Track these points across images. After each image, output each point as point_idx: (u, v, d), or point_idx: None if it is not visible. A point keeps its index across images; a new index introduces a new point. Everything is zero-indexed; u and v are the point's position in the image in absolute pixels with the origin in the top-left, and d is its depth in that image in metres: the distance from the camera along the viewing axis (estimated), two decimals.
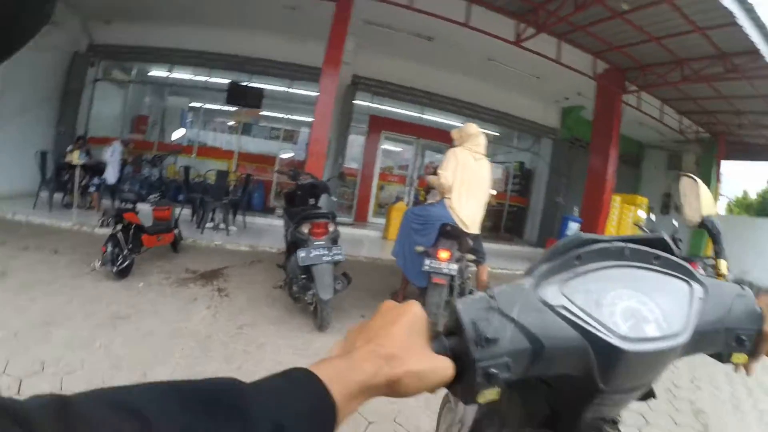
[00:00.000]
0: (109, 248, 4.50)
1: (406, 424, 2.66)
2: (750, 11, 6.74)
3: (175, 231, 5.76)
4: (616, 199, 11.14)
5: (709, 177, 13.42)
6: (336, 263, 4.12)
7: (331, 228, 4.32)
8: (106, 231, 4.90)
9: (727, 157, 14.28)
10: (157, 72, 11.51)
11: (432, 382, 0.55)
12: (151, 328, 3.59)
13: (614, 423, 0.81)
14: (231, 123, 11.86)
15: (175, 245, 5.93)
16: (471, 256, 4.58)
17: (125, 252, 4.58)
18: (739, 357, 0.74)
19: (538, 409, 0.73)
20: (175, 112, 11.87)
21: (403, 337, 0.55)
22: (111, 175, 8.26)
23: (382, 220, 11.06)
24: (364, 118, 11.93)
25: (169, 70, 11.25)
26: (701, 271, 7.55)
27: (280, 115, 12.10)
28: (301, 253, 4.00)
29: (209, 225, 7.71)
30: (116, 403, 0.33)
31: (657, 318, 0.65)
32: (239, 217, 8.46)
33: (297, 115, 11.77)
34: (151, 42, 10.04)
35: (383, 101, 12.04)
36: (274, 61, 10.32)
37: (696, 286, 0.72)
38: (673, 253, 0.75)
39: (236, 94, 10.80)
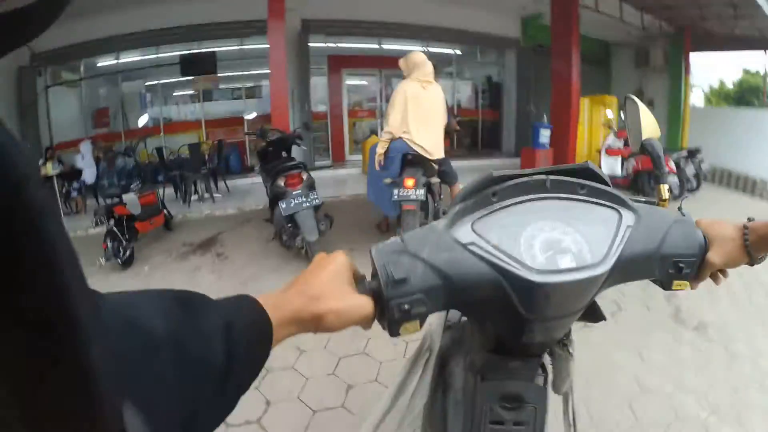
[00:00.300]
0: (109, 243, 4.73)
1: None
2: None
3: (164, 211, 5.95)
4: (585, 102, 11.01)
5: (679, 70, 13.37)
6: (316, 207, 4.40)
7: (304, 176, 4.56)
8: (101, 229, 5.12)
9: (696, 50, 13.89)
10: (106, 62, 11.15)
11: (353, 317, 0.64)
12: None
13: (563, 344, 0.88)
14: (191, 93, 11.66)
15: (168, 224, 6.12)
16: (436, 180, 4.70)
17: (124, 243, 4.79)
18: (681, 284, 0.76)
19: (490, 336, 0.78)
20: (134, 97, 11.57)
21: (328, 281, 0.63)
22: (89, 176, 8.26)
23: (359, 157, 11.09)
24: (323, 60, 11.77)
25: (117, 57, 10.93)
26: (672, 165, 7.75)
27: (239, 74, 11.87)
28: (282, 205, 4.30)
29: (194, 198, 7.83)
30: (129, 305, 0.45)
31: (580, 248, 0.67)
32: (221, 184, 8.58)
33: (255, 69, 11.48)
34: (92, 35, 9.65)
35: (339, 40, 11.81)
36: (221, 22, 10.03)
37: (626, 213, 0.73)
38: (601, 181, 0.77)
39: (189, 64, 10.63)
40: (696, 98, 22.49)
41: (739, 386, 2.73)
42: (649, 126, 1.14)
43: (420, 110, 4.49)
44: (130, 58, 11.01)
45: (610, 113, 10.45)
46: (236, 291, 0.51)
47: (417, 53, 4.71)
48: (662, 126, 12.65)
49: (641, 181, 7.47)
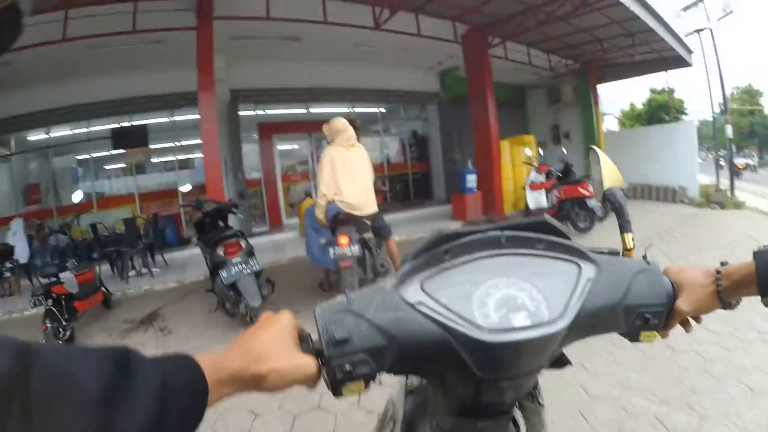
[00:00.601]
0: (48, 324, 4.66)
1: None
2: None
3: (103, 289, 5.88)
4: (505, 144, 11.86)
5: (589, 102, 14.64)
6: (257, 273, 4.55)
7: (243, 244, 4.73)
8: (38, 311, 5.04)
9: (601, 81, 15.41)
10: (37, 136, 11.01)
11: (296, 377, 0.63)
12: None
13: (532, 395, 0.88)
14: (123, 166, 11.58)
15: (107, 302, 6.04)
16: (370, 235, 4.89)
17: (64, 323, 4.72)
18: (649, 335, 0.73)
19: (455, 398, 0.73)
20: (65, 172, 11.41)
21: (271, 341, 0.63)
22: (22, 255, 8.02)
23: (295, 220, 11.26)
24: (253, 128, 12.06)
25: (48, 132, 10.81)
26: (591, 190, 8.34)
27: (171, 145, 11.91)
28: (223, 273, 4.42)
29: (132, 273, 7.71)
30: (64, 359, 0.44)
31: (537, 305, 0.65)
32: (158, 257, 8.49)
33: (187, 140, 11.68)
34: (24, 109, 9.62)
35: (268, 107, 12.23)
36: (152, 95, 10.20)
37: (586, 266, 0.72)
38: (560, 234, 0.75)
39: (121, 138, 10.69)
40: (610, 124, 24.25)
41: (684, 376, 2.96)
42: (611, 175, 1.13)
43: (348, 170, 4.79)
44: (61, 132, 10.91)
45: (528, 151, 11.19)
46: None
47: (337, 120, 5.02)
48: (579, 155, 13.85)
49: (566, 209, 8.10)
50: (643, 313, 0.70)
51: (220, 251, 4.62)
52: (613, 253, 0.79)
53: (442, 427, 0.77)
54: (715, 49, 13.05)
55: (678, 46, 12.39)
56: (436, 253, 0.71)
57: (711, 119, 14.11)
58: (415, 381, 0.95)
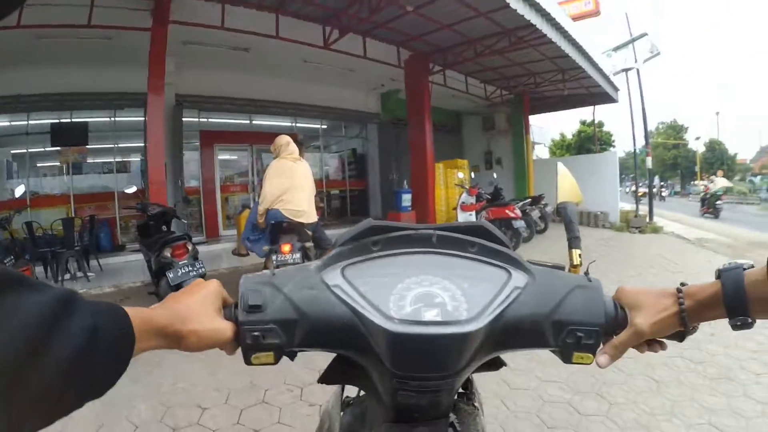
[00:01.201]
0: None
1: None
2: None
3: None
4: (440, 166, 12.44)
5: (521, 131, 15.60)
6: (202, 276, 4.75)
7: (189, 247, 4.95)
8: None
9: (533, 112, 16.46)
10: None
11: (213, 340, 0.66)
12: None
13: (467, 398, 0.87)
14: (58, 165, 10.98)
15: None
16: (310, 244, 5.20)
17: None
18: (583, 357, 0.68)
19: (389, 405, 0.71)
20: (0, 166, 10.67)
21: (195, 304, 0.67)
22: None
23: (233, 232, 11.18)
24: (195, 135, 11.91)
25: None
26: (517, 212, 9.07)
27: (110, 146, 11.44)
28: (170, 274, 4.61)
29: (67, 277, 7.46)
30: (24, 285, 0.47)
31: (456, 306, 0.64)
32: (93, 262, 8.25)
33: (126, 142, 11.39)
34: None
35: (211, 115, 12.20)
36: (96, 92, 9.92)
37: (517, 274, 0.70)
38: (497, 241, 0.74)
39: (61, 134, 10.30)
40: (542, 152, 25.76)
41: (596, 371, 3.20)
42: (567, 191, 1.15)
43: (293, 180, 5.13)
44: None
45: (461, 174, 11.81)
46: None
47: (282, 136, 5.42)
48: (510, 179, 14.95)
49: None
50: (575, 331, 0.67)
51: (167, 253, 4.78)
52: (558, 267, 0.76)
53: None
54: (640, 87, 14.17)
55: (605, 83, 13.38)
56: (365, 243, 0.72)
57: (637, 151, 15.37)
58: (353, 393, 0.95)
